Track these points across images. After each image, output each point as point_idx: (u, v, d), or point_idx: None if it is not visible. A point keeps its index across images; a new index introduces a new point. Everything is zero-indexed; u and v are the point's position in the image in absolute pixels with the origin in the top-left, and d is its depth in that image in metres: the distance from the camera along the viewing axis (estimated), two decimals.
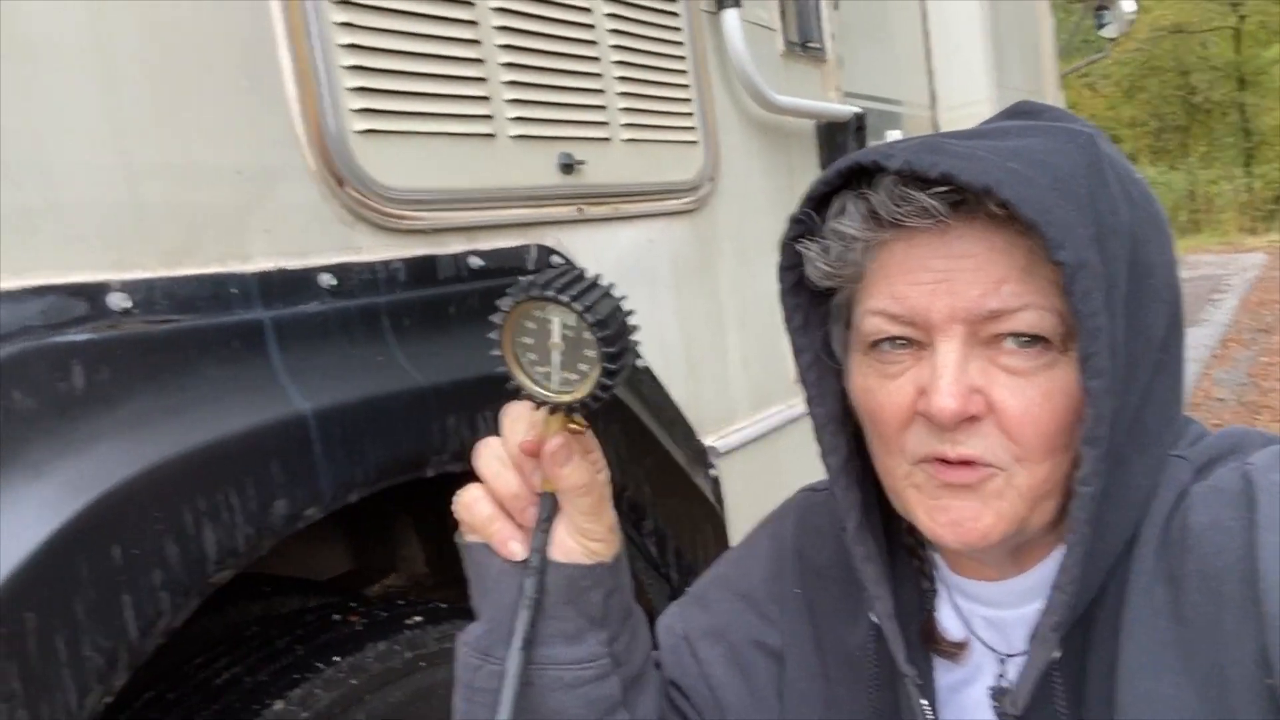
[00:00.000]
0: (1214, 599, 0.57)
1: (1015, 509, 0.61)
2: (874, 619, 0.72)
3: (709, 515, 1.56)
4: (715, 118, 1.69)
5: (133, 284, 0.87)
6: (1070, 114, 0.70)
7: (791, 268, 0.68)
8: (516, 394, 0.60)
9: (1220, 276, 11.56)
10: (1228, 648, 0.56)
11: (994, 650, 0.70)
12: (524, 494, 0.64)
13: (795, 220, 0.66)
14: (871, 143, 2.20)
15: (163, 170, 0.91)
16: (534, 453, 0.62)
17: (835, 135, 2.03)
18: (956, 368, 0.59)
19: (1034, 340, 0.59)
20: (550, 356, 0.59)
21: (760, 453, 1.75)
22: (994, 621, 0.70)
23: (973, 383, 0.59)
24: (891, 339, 0.63)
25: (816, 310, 0.70)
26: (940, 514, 0.63)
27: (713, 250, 1.70)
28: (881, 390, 0.64)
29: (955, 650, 0.71)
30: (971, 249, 0.59)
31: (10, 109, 0.80)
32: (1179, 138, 22.81)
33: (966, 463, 0.61)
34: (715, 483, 1.60)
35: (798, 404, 1.83)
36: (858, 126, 2.04)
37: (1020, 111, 0.70)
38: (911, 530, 0.73)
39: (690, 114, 1.62)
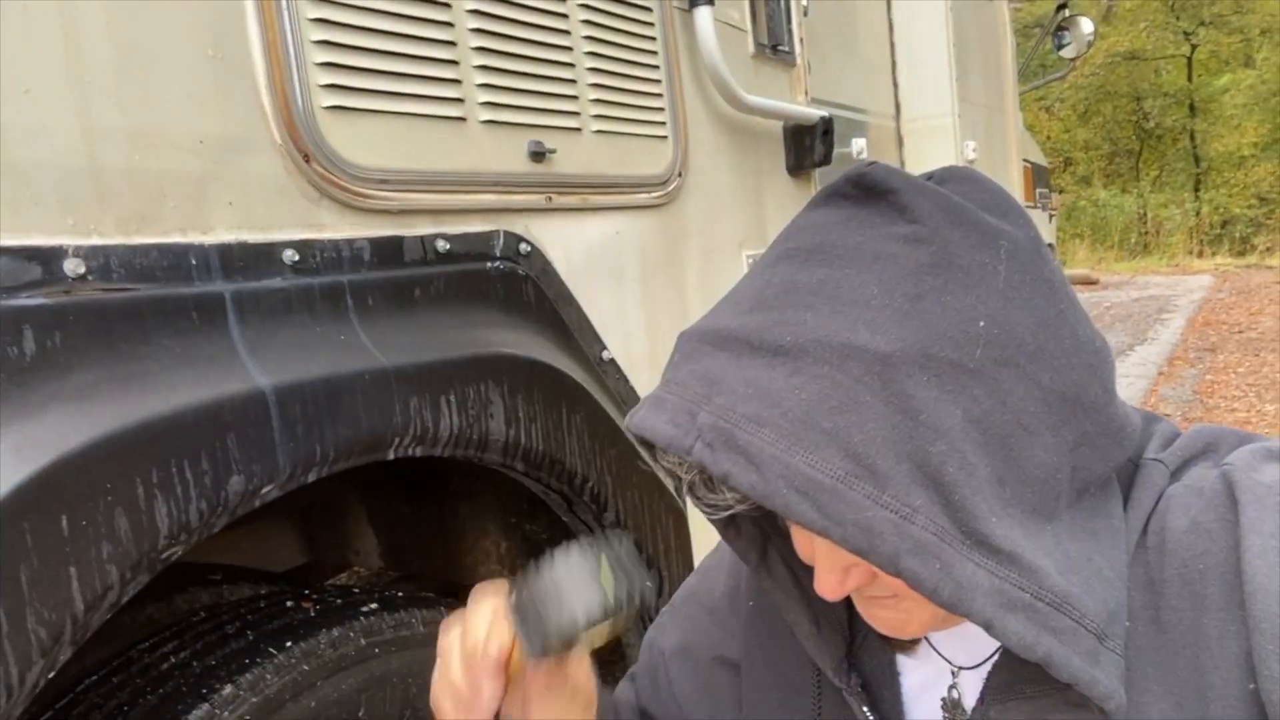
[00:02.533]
0: (1195, 603, 0.56)
1: (935, 615, 0.62)
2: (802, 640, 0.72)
3: (670, 509, 1.56)
4: (685, 114, 1.70)
5: (89, 250, 0.85)
6: (920, 201, 0.58)
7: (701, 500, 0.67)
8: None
9: (1168, 297, 11.85)
10: (1209, 651, 0.55)
11: (949, 661, 0.69)
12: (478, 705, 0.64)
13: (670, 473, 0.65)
14: (839, 149, 2.23)
15: (123, 135, 0.89)
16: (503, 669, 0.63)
17: (803, 138, 2.05)
18: (831, 557, 0.60)
19: None
20: (547, 604, 0.60)
21: None
22: (952, 632, 0.69)
23: (849, 561, 0.60)
24: None
25: None
26: (871, 619, 0.65)
27: (680, 246, 1.70)
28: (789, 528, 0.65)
29: (910, 645, 0.71)
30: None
31: None
32: (1131, 162, 23.38)
33: None
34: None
35: None
36: (824, 130, 2.06)
37: (862, 194, 0.60)
38: None
39: (661, 109, 1.62)
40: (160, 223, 0.91)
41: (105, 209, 0.87)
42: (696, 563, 1.60)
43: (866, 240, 0.57)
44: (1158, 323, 9.62)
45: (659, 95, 1.62)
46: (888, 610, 0.63)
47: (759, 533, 0.71)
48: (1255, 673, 0.53)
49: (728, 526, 0.71)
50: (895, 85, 3.05)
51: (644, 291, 1.60)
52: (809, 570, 0.70)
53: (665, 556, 1.53)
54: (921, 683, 0.71)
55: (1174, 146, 22.97)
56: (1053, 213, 5.31)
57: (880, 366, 0.52)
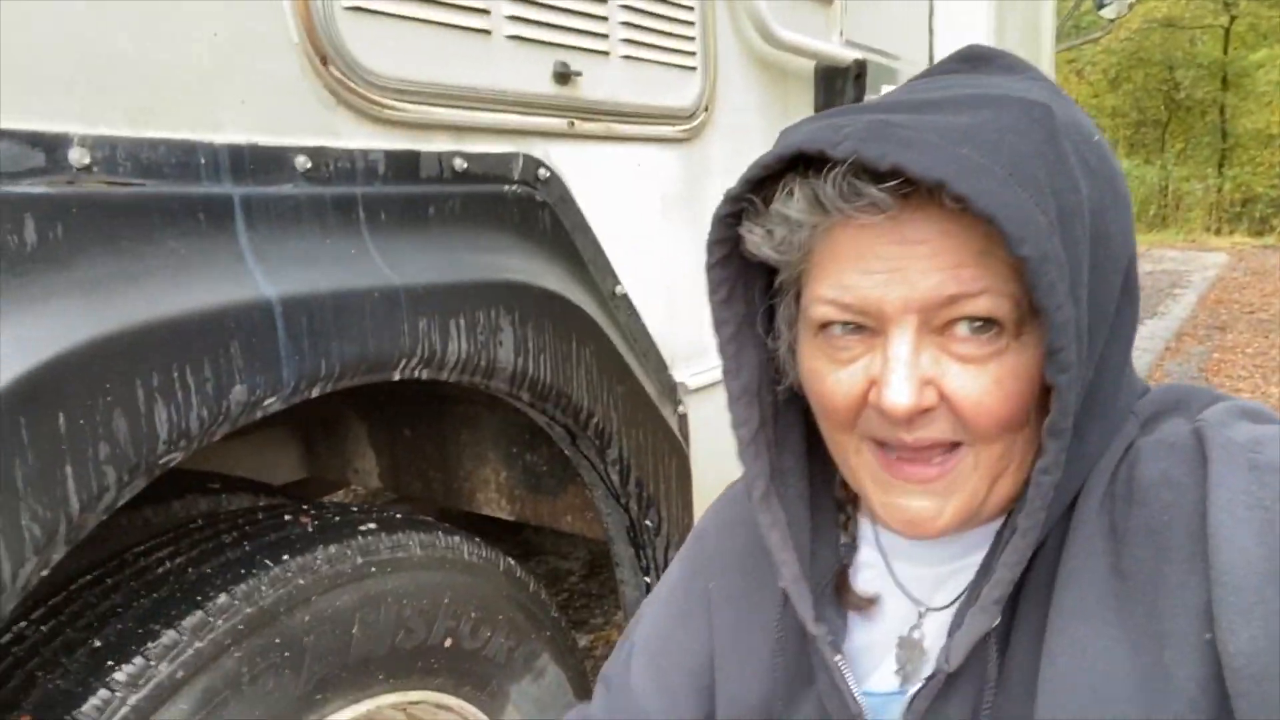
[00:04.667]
0: (1158, 553, 0.57)
1: (975, 494, 0.60)
2: (781, 585, 0.70)
3: (674, 450, 1.54)
4: (716, 46, 1.64)
5: (95, 140, 0.82)
6: (1023, 64, 0.66)
7: (722, 240, 0.65)
8: None
9: (1182, 273, 11.75)
10: (1169, 600, 0.56)
11: (916, 601, 0.69)
12: None
13: (733, 199, 0.62)
14: (869, 97, 2.16)
15: (134, 22, 0.85)
16: None
17: (834, 80, 1.98)
18: (910, 363, 0.57)
19: (987, 325, 0.57)
20: None
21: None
22: (920, 576, 0.69)
23: (925, 374, 0.57)
24: (842, 323, 0.60)
25: (744, 281, 0.67)
26: (896, 512, 0.62)
27: (702, 183, 1.66)
28: (831, 376, 0.61)
29: (866, 604, 0.71)
30: (925, 234, 0.56)
31: None
32: (1157, 132, 22.97)
33: (925, 448, 0.60)
34: (683, 419, 1.58)
35: None
36: (857, 74, 2.00)
37: (971, 58, 0.66)
38: (844, 485, 0.72)
39: (691, 38, 1.56)
40: (169, 117, 0.88)
41: (113, 98, 0.84)
42: (696, 504, 1.59)
43: (993, 79, 0.62)
44: (1169, 298, 9.54)
45: (690, 24, 1.56)
46: (930, 479, 0.60)
47: (769, 464, 0.69)
48: (1214, 623, 0.53)
49: (749, 445, 0.68)
50: (931, 33, 2.96)
51: (662, 227, 1.57)
52: (820, 508, 0.70)
53: (666, 498, 1.52)
54: (864, 646, 0.70)
55: (1202, 119, 22.55)
56: None
57: (1050, 120, 0.55)
